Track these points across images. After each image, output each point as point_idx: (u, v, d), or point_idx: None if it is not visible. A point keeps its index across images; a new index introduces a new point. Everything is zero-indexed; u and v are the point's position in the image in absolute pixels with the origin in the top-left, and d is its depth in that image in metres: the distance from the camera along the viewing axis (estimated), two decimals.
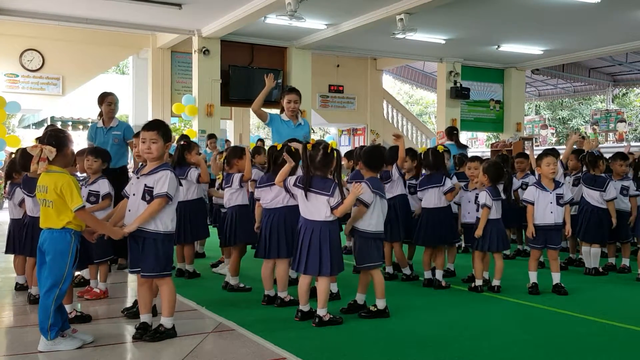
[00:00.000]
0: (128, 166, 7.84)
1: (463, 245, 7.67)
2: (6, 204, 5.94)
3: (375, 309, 4.71)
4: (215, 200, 7.38)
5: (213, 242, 7.04)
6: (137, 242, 4.02)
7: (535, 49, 15.92)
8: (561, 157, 6.57)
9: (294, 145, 5.01)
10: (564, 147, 12.87)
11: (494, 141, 20.02)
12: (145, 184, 4.01)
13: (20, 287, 5.62)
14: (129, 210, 4.06)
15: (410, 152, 6.49)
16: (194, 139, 10.97)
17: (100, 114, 7.10)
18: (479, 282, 5.72)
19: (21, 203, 5.42)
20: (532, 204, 5.66)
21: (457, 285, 6.03)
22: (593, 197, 6.65)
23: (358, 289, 4.89)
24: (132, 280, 5.97)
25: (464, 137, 23.95)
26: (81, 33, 14.53)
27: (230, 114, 17.56)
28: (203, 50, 13.92)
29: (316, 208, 4.44)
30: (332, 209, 4.41)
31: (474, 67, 17.86)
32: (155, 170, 4.03)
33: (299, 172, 4.76)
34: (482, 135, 25.67)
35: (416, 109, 34.76)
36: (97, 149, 5.76)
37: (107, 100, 6.99)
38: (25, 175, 5.18)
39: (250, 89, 14.35)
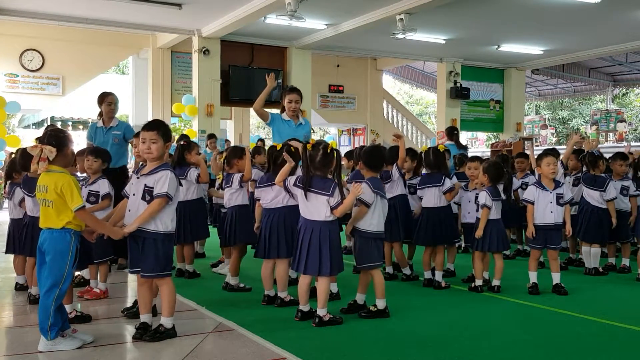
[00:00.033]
0: (128, 166, 7.84)
1: (463, 245, 7.67)
2: (6, 204, 5.94)
3: (375, 309, 4.71)
4: (215, 200, 7.38)
5: (213, 242, 7.04)
6: (137, 242, 4.02)
7: (535, 49, 15.92)
8: (561, 157, 6.58)
9: (293, 144, 5.01)
10: (563, 147, 12.89)
11: (494, 141, 20.02)
12: (145, 184, 4.01)
13: (20, 287, 5.62)
14: (129, 210, 4.06)
15: (410, 152, 6.49)
16: (194, 139, 10.98)
17: (100, 114, 7.10)
18: (479, 282, 5.72)
19: (21, 202, 5.42)
20: (532, 203, 5.66)
21: (457, 285, 6.03)
22: (593, 197, 6.65)
23: (358, 289, 4.89)
24: (132, 280, 5.97)
25: (464, 137, 23.94)
26: (81, 33, 14.53)
27: (230, 114, 17.56)
28: (203, 50, 13.92)
29: (316, 208, 4.44)
30: (332, 209, 4.41)
31: (474, 67, 17.86)
32: (155, 170, 4.03)
33: (299, 172, 4.76)
34: (482, 135, 25.66)
35: (416, 109, 34.76)
36: (97, 149, 5.76)
37: (107, 100, 6.99)
38: (26, 175, 5.18)
39: (250, 89, 14.35)
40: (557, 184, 5.72)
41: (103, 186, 5.34)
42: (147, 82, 15.68)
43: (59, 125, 15.49)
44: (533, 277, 5.66)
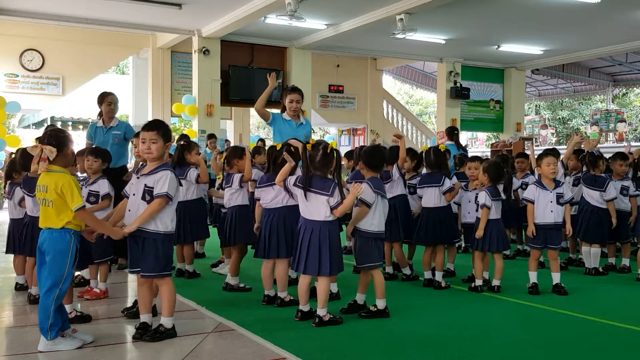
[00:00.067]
0: (128, 166, 7.84)
1: (463, 245, 7.68)
2: (6, 203, 5.94)
3: (375, 309, 4.71)
4: (215, 200, 7.38)
5: (213, 242, 7.04)
6: (137, 242, 4.02)
7: (535, 49, 15.92)
8: (562, 157, 6.58)
9: (293, 143, 5.00)
10: (563, 147, 12.89)
11: (494, 141, 20.02)
12: (145, 184, 4.01)
13: (20, 287, 5.62)
14: (129, 210, 4.06)
15: (410, 152, 6.49)
16: (194, 139, 10.98)
17: (100, 114, 7.10)
18: (479, 282, 5.72)
19: (21, 202, 5.42)
20: (532, 202, 5.66)
21: (457, 285, 6.02)
22: (593, 197, 6.65)
23: (358, 289, 4.89)
24: (132, 280, 5.97)
25: (464, 137, 23.95)
26: (81, 33, 14.53)
27: (230, 114, 17.56)
28: (203, 50, 13.92)
29: (316, 208, 4.44)
30: (332, 209, 4.41)
31: (474, 67, 17.86)
32: (156, 170, 4.03)
33: (299, 171, 4.76)
34: (482, 135, 25.66)
35: (416, 109, 34.77)
36: (98, 149, 5.76)
37: (107, 100, 6.99)
38: (26, 175, 5.18)
39: (250, 89, 14.36)
40: (557, 184, 5.73)
41: (103, 186, 5.34)
42: (147, 82, 15.69)
43: (59, 125, 15.49)
44: (533, 277, 5.66)
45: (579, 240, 6.97)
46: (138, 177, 4.11)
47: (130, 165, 8.63)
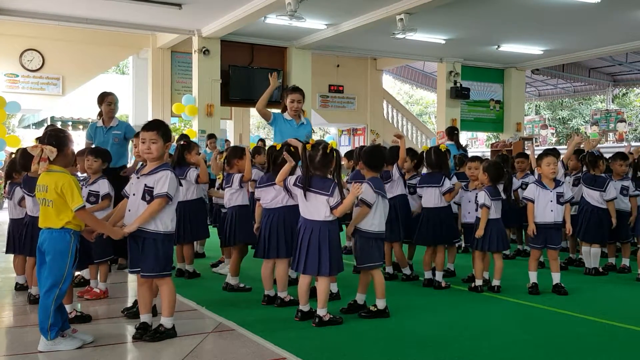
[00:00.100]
0: (128, 166, 7.83)
1: (463, 245, 7.68)
2: (6, 203, 5.94)
3: (375, 309, 4.71)
4: (215, 200, 7.37)
5: (213, 242, 7.04)
6: (137, 242, 4.02)
7: (535, 49, 15.91)
8: (562, 157, 6.57)
9: (293, 143, 5.00)
10: (563, 147, 12.88)
11: (494, 141, 20.02)
12: (145, 184, 4.01)
13: (20, 287, 5.62)
14: (129, 210, 4.06)
15: (410, 152, 6.49)
16: (194, 139, 10.98)
17: (100, 114, 7.10)
18: (479, 282, 5.72)
19: (20, 201, 5.43)
20: (533, 201, 5.66)
21: (457, 285, 6.03)
22: (593, 197, 6.65)
23: (358, 289, 4.89)
24: (132, 280, 5.97)
25: (464, 137, 23.94)
26: (81, 33, 14.53)
27: (230, 114, 17.56)
28: (203, 50, 13.92)
29: (315, 208, 4.44)
30: (332, 209, 4.41)
31: (474, 67, 17.86)
32: (156, 171, 4.03)
33: (299, 171, 4.76)
34: (482, 135, 25.65)
35: (416, 109, 34.76)
36: (98, 149, 5.76)
37: (107, 100, 6.99)
38: (26, 175, 5.18)
39: (250, 89, 14.36)
40: (558, 183, 5.73)
41: (103, 186, 5.35)
42: (147, 82, 15.68)
43: (59, 125, 15.49)
44: (533, 277, 5.66)
45: (579, 240, 6.97)
46: (138, 177, 4.11)
47: (130, 165, 8.62)
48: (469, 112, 18.13)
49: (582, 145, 7.37)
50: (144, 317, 4.12)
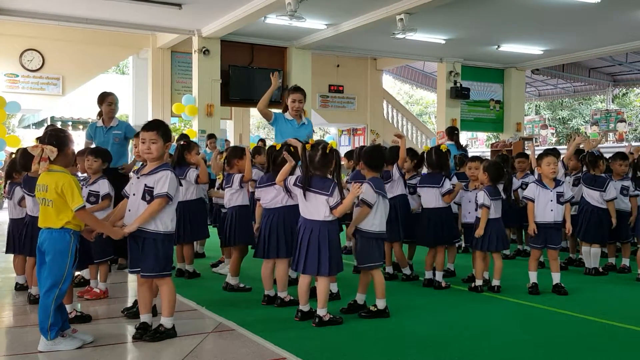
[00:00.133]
0: None
1: (463, 245, 7.68)
2: (6, 203, 5.94)
3: (375, 309, 4.71)
4: (215, 200, 7.37)
5: (213, 242, 7.04)
6: (136, 242, 4.02)
7: (535, 49, 15.91)
8: (562, 157, 6.57)
9: (292, 142, 5.00)
10: (563, 147, 12.88)
11: (494, 141, 20.01)
12: (145, 184, 4.01)
13: (20, 287, 5.62)
14: (129, 210, 4.06)
15: (410, 152, 6.49)
16: (194, 139, 10.98)
17: (100, 114, 7.10)
18: (479, 282, 5.72)
19: (20, 201, 5.43)
20: (533, 201, 5.66)
21: (457, 285, 6.02)
22: (593, 197, 6.65)
23: (358, 289, 4.89)
24: (132, 280, 5.97)
25: (464, 137, 23.94)
26: (81, 33, 14.52)
27: (230, 114, 17.55)
28: (203, 50, 13.91)
29: (315, 208, 4.44)
30: (331, 208, 4.41)
31: (474, 67, 17.85)
32: (156, 171, 4.03)
33: (299, 171, 4.76)
34: (482, 135, 25.66)
35: (416, 109, 34.76)
36: (98, 149, 5.77)
37: (107, 100, 6.99)
38: (26, 175, 5.18)
39: (250, 89, 14.36)
40: (558, 183, 5.73)
41: (103, 186, 5.34)
42: (147, 82, 15.68)
43: (59, 125, 15.49)
44: (533, 277, 5.66)
45: (579, 240, 6.97)
46: (138, 177, 4.11)
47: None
48: (469, 112, 18.13)
49: (581, 146, 7.38)
50: (144, 317, 4.12)
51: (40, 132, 7.70)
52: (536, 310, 5.08)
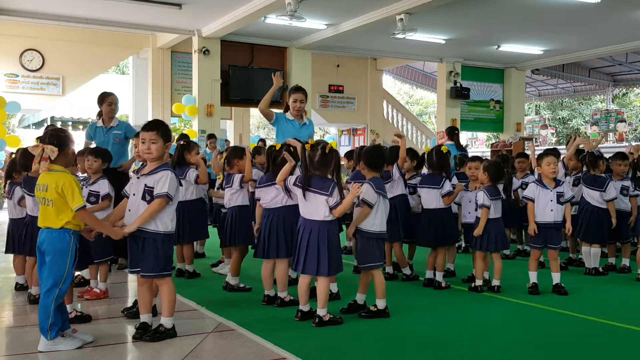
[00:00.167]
0: None
1: (463, 245, 7.67)
2: (6, 203, 5.94)
3: (375, 309, 4.71)
4: (215, 200, 7.37)
5: (213, 242, 7.04)
6: (136, 242, 4.02)
7: (535, 49, 15.91)
8: (562, 157, 6.57)
9: (292, 142, 5.00)
10: (563, 147, 12.88)
11: (494, 141, 20.02)
12: (145, 184, 4.01)
13: (20, 287, 5.62)
14: (129, 210, 4.06)
15: (410, 152, 6.49)
16: (194, 139, 10.98)
17: (100, 114, 7.10)
18: (479, 282, 5.72)
19: (20, 201, 5.43)
20: (533, 201, 5.66)
21: (457, 285, 6.02)
22: (593, 197, 6.65)
23: (358, 289, 4.89)
24: (132, 280, 5.97)
25: (464, 137, 23.95)
26: (81, 33, 14.52)
27: (230, 114, 17.56)
28: (203, 50, 13.91)
29: (315, 208, 4.44)
30: (331, 208, 4.41)
31: (474, 67, 17.86)
32: (156, 171, 4.03)
33: (298, 171, 4.76)
34: (482, 135, 25.66)
35: (416, 109, 34.76)
36: (98, 149, 5.77)
37: (107, 100, 6.99)
38: (26, 175, 5.18)
39: (250, 89, 14.36)
40: (558, 183, 5.73)
41: (103, 186, 5.34)
42: (147, 82, 15.68)
43: (59, 125, 15.48)
44: (533, 277, 5.66)
45: (579, 240, 6.97)
46: (138, 177, 4.11)
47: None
48: (469, 112, 18.13)
49: (581, 146, 7.38)
50: (144, 317, 4.12)
51: (40, 132, 7.70)
52: (536, 310, 5.08)
